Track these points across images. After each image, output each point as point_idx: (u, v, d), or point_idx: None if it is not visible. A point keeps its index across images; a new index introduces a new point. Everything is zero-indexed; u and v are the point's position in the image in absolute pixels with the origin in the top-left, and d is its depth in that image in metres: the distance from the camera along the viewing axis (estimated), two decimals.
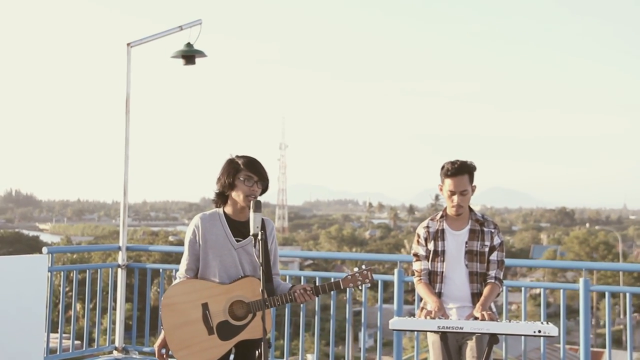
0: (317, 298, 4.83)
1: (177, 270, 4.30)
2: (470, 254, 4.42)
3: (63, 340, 6.68)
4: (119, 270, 7.15)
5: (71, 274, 7.16)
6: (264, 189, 4.21)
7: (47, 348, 6.29)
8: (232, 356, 4.21)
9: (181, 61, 7.06)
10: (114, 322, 7.14)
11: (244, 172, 4.13)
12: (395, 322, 4.03)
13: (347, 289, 5.05)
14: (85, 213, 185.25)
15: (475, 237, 4.44)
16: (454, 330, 3.92)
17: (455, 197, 4.39)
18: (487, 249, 4.43)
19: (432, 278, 4.46)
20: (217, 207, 4.26)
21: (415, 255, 4.56)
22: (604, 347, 6.93)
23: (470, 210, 4.52)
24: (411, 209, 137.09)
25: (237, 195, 4.15)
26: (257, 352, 4.07)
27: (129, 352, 7.10)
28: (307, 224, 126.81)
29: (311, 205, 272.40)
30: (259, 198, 4.11)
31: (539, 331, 3.84)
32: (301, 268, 51.20)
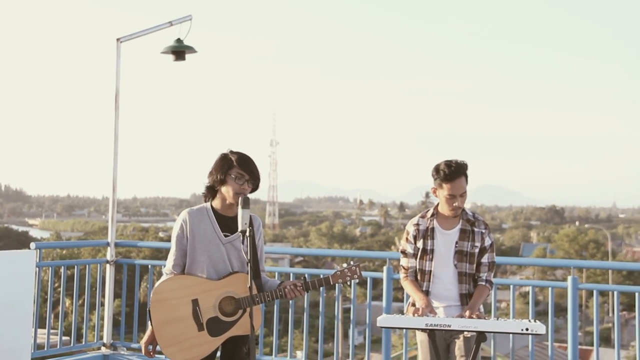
0: (306, 294, 4.84)
1: (165, 266, 4.26)
2: (460, 254, 4.38)
3: (51, 336, 6.64)
4: (107, 266, 7.12)
5: (60, 270, 7.12)
6: (255, 187, 4.19)
7: (35, 344, 6.27)
8: (218, 353, 4.20)
9: (171, 57, 7.05)
10: (102, 318, 7.11)
11: (236, 170, 4.11)
12: (383, 320, 4.01)
13: (337, 286, 5.06)
14: (75, 209, 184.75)
15: (465, 238, 4.40)
16: (442, 328, 3.91)
17: (455, 200, 4.35)
18: (477, 250, 4.39)
19: (420, 276, 4.43)
20: (206, 200, 4.25)
21: (403, 252, 4.53)
22: (593, 345, 6.96)
23: (462, 209, 4.51)
24: (402, 207, 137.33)
25: (226, 191, 4.13)
26: (244, 349, 4.07)
27: (117, 349, 7.07)
28: (298, 221, 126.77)
29: (302, 202, 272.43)
30: (248, 195, 4.09)
31: (527, 329, 3.82)
32: (291, 265, 51.13)
